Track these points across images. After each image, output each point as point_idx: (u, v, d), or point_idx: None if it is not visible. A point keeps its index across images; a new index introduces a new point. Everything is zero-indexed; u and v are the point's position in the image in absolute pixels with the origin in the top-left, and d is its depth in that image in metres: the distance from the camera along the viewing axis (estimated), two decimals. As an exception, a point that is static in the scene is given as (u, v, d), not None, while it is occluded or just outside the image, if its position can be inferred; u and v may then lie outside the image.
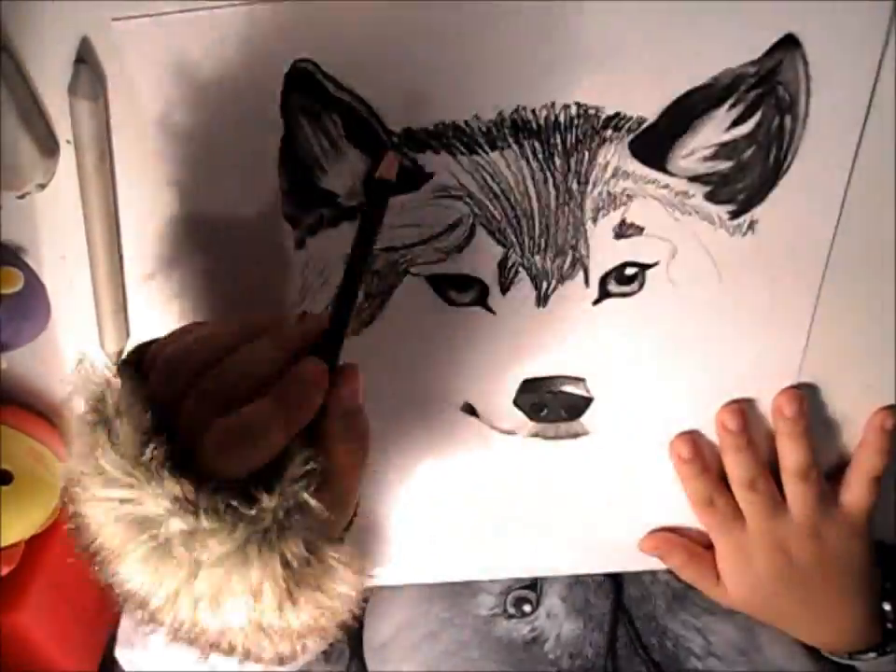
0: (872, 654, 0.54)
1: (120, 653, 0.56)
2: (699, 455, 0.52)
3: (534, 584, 0.62)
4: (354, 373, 0.38)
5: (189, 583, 0.32)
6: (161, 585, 0.33)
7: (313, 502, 0.33)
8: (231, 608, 0.33)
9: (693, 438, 0.53)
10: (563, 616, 0.60)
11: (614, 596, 0.61)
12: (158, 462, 0.32)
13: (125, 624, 0.56)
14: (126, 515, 0.32)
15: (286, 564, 0.33)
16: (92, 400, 0.34)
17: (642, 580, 0.62)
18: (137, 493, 0.32)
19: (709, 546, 0.56)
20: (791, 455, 0.51)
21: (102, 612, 0.61)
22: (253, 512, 0.32)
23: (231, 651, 0.36)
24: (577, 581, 0.62)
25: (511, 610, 0.61)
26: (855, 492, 0.52)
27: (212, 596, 0.33)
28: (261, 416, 0.33)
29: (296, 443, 0.34)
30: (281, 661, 0.37)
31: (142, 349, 0.38)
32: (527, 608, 0.61)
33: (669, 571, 0.60)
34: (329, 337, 0.38)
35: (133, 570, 0.33)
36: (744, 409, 0.51)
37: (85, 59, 0.40)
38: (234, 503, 0.32)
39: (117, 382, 0.35)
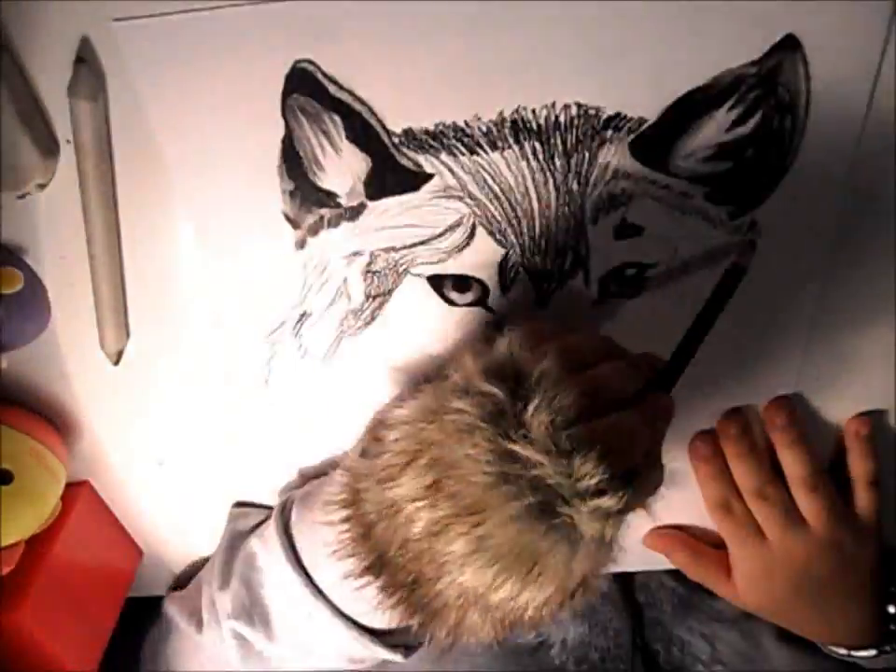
0: (873, 651, 0.54)
1: (236, 624, 0.53)
2: (718, 455, 0.52)
3: None
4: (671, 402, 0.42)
5: (556, 550, 0.34)
6: (516, 547, 0.34)
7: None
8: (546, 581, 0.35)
9: (712, 437, 0.52)
10: (569, 621, 0.60)
11: (622, 604, 0.61)
12: (574, 442, 0.34)
13: (238, 591, 0.53)
14: (516, 477, 0.33)
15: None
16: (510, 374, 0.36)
17: (649, 585, 0.62)
18: (548, 461, 0.33)
19: (716, 544, 0.56)
20: (792, 466, 0.51)
21: (102, 612, 0.61)
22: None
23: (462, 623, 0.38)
24: None
25: None
26: (860, 498, 0.52)
27: (556, 568, 0.34)
28: (636, 422, 0.37)
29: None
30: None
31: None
32: None
33: (675, 574, 0.60)
34: (666, 376, 0.42)
35: (498, 525, 0.33)
36: (743, 415, 0.51)
37: (85, 59, 0.40)
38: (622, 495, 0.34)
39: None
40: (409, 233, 0.45)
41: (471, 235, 0.45)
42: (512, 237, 0.45)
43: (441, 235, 0.45)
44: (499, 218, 0.44)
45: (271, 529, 0.52)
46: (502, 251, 0.45)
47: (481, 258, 0.45)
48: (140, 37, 0.39)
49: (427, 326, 0.48)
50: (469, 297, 0.47)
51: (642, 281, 0.46)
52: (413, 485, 0.35)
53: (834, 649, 0.55)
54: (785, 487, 0.52)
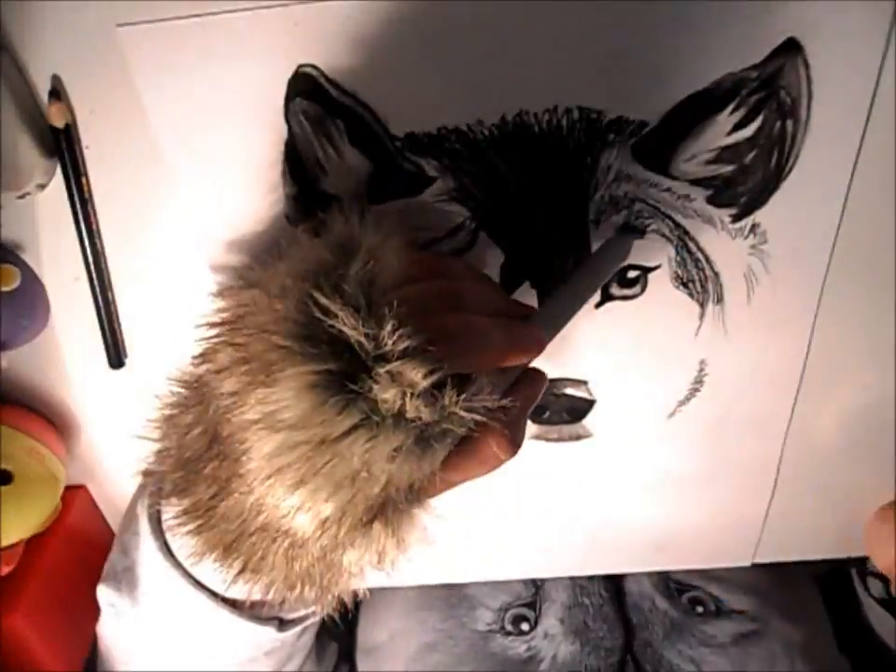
0: None
1: (102, 590, 0.50)
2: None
3: (533, 603, 0.62)
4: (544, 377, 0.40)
5: (333, 442, 0.29)
6: (304, 420, 0.29)
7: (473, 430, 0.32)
8: (337, 491, 0.30)
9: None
10: (560, 637, 0.61)
11: (615, 622, 0.61)
12: (391, 305, 0.30)
13: (114, 557, 0.51)
14: (319, 340, 0.30)
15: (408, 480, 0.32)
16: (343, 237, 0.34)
17: (641, 607, 0.62)
18: (353, 317, 0.30)
19: None
20: None
21: (95, 616, 0.61)
22: (438, 414, 0.30)
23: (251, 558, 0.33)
24: (576, 604, 0.62)
25: (509, 628, 0.62)
26: None
27: (341, 463, 0.30)
28: (490, 328, 0.34)
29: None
30: (286, 601, 0.35)
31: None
32: (525, 626, 0.61)
33: (668, 597, 0.60)
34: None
35: (290, 394, 0.29)
36: None
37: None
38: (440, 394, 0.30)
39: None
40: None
41: (473, 239, 0.45)
42: (515, 240, 0.45)
43: (443, 239, 0.45)
44: (501, 222, 0.44)
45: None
46: (504, 254, 0.45)
47: (483, 261, 0.45)
48: (144, 42, 0.39)
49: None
50: (471, 300, 0.47)
51: (644, 283, 0.47)
52: (223, 359, 0.32)
53: None
54: None
